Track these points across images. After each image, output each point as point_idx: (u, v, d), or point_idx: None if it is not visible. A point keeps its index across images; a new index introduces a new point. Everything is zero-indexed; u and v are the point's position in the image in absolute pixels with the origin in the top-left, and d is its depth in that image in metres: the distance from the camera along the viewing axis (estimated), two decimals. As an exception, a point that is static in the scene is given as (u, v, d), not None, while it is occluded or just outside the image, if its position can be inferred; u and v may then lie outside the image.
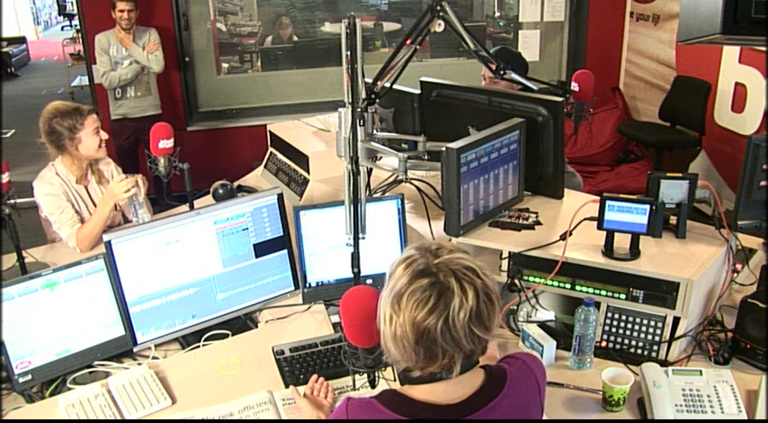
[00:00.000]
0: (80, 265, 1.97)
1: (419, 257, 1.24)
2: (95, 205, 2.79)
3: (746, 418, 1.70)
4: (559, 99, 2.23)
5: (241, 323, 2.22)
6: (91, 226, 2.62)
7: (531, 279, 2.06)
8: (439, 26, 2.00)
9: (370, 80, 1.97)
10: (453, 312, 1.18)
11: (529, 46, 5.52)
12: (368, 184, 2.54)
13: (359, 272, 1.90)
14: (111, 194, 2.62)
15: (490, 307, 1.22)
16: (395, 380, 1.62)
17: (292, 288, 2.31)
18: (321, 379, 1.85)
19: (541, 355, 1.92)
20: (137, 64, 4.56)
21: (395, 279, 1.24)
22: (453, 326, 1.18)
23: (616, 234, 1.96)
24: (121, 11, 4.44)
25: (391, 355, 1.25)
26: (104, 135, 2.73)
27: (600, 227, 1.95)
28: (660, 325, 1.93)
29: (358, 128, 1.87)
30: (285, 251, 2.28)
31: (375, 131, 2.00)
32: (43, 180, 2.71)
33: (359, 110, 1.84)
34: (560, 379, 1.86)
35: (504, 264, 2.09)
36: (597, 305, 1.94)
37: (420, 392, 1.27)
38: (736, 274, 2.21)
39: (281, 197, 2.26)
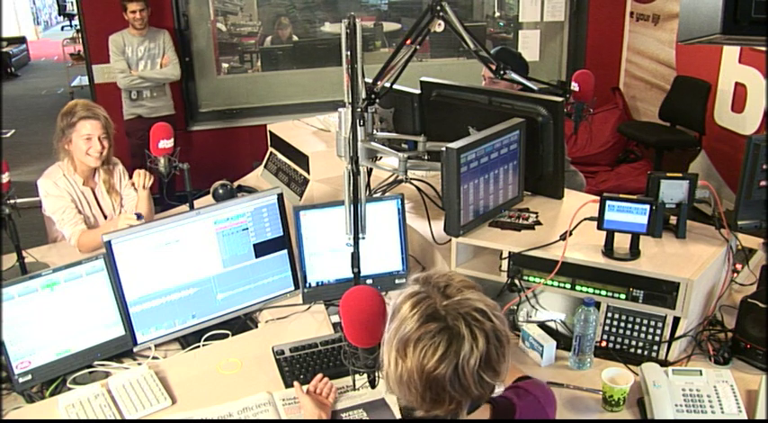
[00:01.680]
0: (80, 265, 1.97)
1: (426, 296, 1.19)
2: (101, 207, 2.78)
3: (746, 418, 1.70)
4: (559, 99, 2.23)
5: (241, 323, 2.22)
6: (97, 233, 2.58)
7: (531, 279, 2.06)
8: (439, 26, 2.00)
9: (370, 80, 1.97)
10: (464, 360, 1.13)
11: (529, 46, 5.52)
12: (368, 184, 2.54)
13: (359, 272, 1.90)
14: (122, 221, 2.55)
15: (500, 350, 1.17)
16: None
17: (292, 288, 2.31)
18: (326, 379, 1.85)
19: (541, 355, 1.92)
20: (155, 75, 4.61)
21: (400, 319, 1.18)
22: (463, 373, 1.13)
23: (616, 234, 1.96)
24: (133, 11, 4.45)
25: (395, 393, 1.21)
26: (97, 145, 2.64)
27: (600, 227, 1.96)
28: (660, 325, 1.93)
29: (358, 128, 1.87)
30: (285, 251, 2.28)
31: (375, 131, 2.00)
32: (48, 178, 2.70)
33: (359, 110, 1.84)
34: (560, 379, 1.86)
35: (504, 264, 2.09)
36: (597, 305, 1.94)
37: None
38: (736, 274, 2.21)
39: (281, 197, 2.26)
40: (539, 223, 2.18)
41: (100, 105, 2.77)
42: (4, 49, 10.74)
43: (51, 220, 2.76)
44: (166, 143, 2.62)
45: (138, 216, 2.51)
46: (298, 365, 1.95)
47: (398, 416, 1.74)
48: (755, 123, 4.44)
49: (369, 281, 2.24)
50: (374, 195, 2.64)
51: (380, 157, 2.12)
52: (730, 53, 4.59)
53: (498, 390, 1.32)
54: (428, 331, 1.14)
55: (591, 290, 2.00)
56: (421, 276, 1.25)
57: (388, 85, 2.02)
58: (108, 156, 2.73)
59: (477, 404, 1.22)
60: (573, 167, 3.14)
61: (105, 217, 2.78)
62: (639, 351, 1.94)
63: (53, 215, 2.67)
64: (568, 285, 2.03)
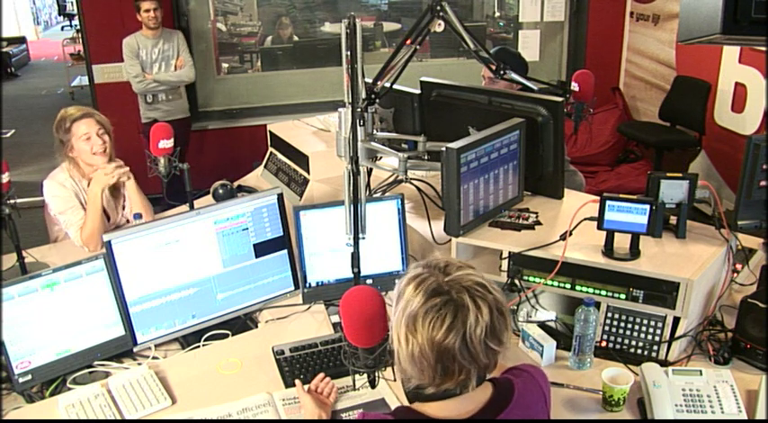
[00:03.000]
0: (80, 265, 1.97)
1: (429, 275, 1.24)
2: (104, 208, 2.78)
3: (746, 418, 1.70)
4: (559, 99, 2.23)
5: (241, 323, 2.22)
6: (90, 222, 2.61)
7: (531, 279, 2.06)
8: (439, 26, 2.00)
9: (370, 80, 1.97)
10: (470, 329, 1.18)
11: (529, 46, 5.52)
12: (368, 184, 2.54)
13: (359, 272, 1.90)
14: (96, 184, 2.61)
15: (503, 321, 1.23)
16: (395, 380, 1.62)
17: (292, 288, 2.31)
18: (327, 378, 1.85)
19: (541, 355, 1.92)
20: (170, 78, 4.60)
21: (406, 299, 1.23)
22: (471, 342, 1.19)
23: (616, 234, 1.96)
24: (147, 11, 4.43)
25: (407, 373, 1.25)
26: (97, 140, 2.65)
27: (600, 227, 1.95)
28: (660, 325, 1.93)
29: (358, 128, 1.87)
30: (285, 251, 2.28)
31: (375, 131, 2.00)
32: (54, 180, 2.70)
33: (359, 110, 1.84)
34: (560, 379, 1.86)
35: (504, 264, 2.09)
36: (597, 305, 1.94)
37: (433, 409, 1.27)
38: (736, 274, 2.21)
39: (281, 197, 2.26)
40: (539, 223, 2.18)
41: (95, 107, 2.79)
42: (4, 49, 10.75)
43: (52, 219, 2.76)
44: (166, 143, 2.62)
45: (137, 216, 2.51)
46: (298, 365, 1.95)
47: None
48: (755, 123, 4.44)
49: (369, 281, 2.24)
50: (374, 195, 2.64)
51: (380, 157, 2.12)
52: (730, 53, 4.59)
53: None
54: (434, 305, 1.19)
55: (591, 290, 2.00)
56: (420, 262, 1.30)
57: (388, 85, 2.02)
58: (111, 151, 2.73)
59: (484, 376, 1.27)
60: (572, 167, 3.14)
61: (108, 219, 2.78)
62: (639, 351, 1.94)
63: (60, 216, 2.67)
64: (568, 285, 2.03)
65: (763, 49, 4.02)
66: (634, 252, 1.96)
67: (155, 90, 4.58)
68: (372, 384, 1.58)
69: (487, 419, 1.28)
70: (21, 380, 1.89)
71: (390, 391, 1.84)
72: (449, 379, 1.22)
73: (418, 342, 1.20)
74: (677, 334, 1.91)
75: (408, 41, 1.99)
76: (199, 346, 2.11)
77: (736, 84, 4.58)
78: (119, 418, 1.80)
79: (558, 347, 1.96)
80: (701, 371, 1.81)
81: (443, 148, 1.96)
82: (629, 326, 1.96)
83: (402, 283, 1.27)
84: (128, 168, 2.69)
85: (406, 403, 1.35)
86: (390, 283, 2.30)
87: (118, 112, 4.68)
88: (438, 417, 1.26)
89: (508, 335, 1.25)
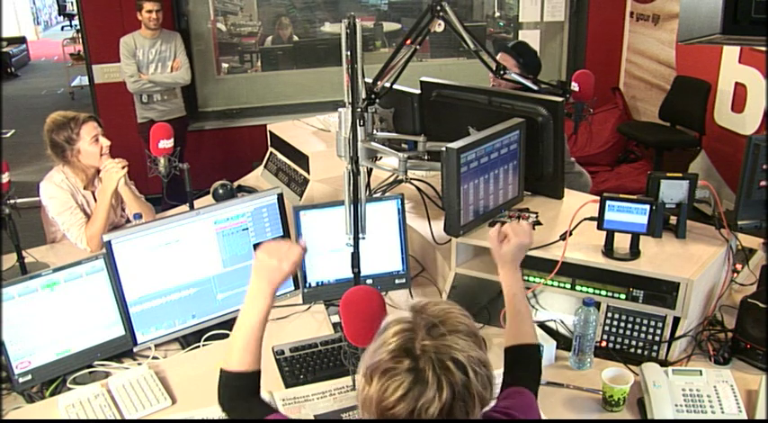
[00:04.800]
0: (80, 265, 1.97)
1: (411, 329, 1.13)
2: None
3: (746, 418, 1.70)
4: (559, 99, 2.23)
5: (241, 323, 2.22)
6: (97, 221, 2.61)
7: (531, 279, 2.06)
8: (439, 26, 2.00)
9: (370, 80, 1.97)
10: (422, 407, 1.07)
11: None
12: (368, 184, 2.54)
13: (359, 272, 1.90)
14: (109, 183, 2.61)
15: (466, 408, 1.10)
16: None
17: (292, 288, 2.31)
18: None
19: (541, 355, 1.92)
20: (165, 79, 4.60)
21: (380, 342, 1.14)
22: (418, 418, 1.08)
23: (616, 234, 1.96)
24: (149, 11, 4.42)
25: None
26: (106, 142, 2.68)
27: (600, 227, 1.96)
28: (660, 325, 1.93)
29: (358, 128, 1.86)
30: (285, 251, 2.28)
31: (375, 131, 2.00)
32: (51, 182, 2.70)
33: (359, 110, 1.84)
34: (560, 379, 1.86)
35: (504, 264, 2.09)
36: (597, 305, 1.94)
37: None
38: (736, 274, 2.21)
39: (281, 197, 2.26)
40: (539, 223, 2.18)
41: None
42: (4, 49, 10.75)
43: (50, 220, 2.75)
44: (166, 143, 2.63)
45: (137, 216, 2.52)
46: (298, 365, 1.95)
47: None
48: (755, 123, 4.44)
49: (369, 281, 2.24)
50: (374, 195, 2.64)
51: (380, 157, 2.12)
52: (730, 53, 4.59)
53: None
54: (397, 366, 1.10)
55: (591, 290, 2.00)
56: (419, 304, 1.19)
57: (388, 85, 2.03)
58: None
59: None
60: (579, 167, 3.14)
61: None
62: (639, 351, 1.94)
63: (58, 217, 2.66)
64: (568, 285, 2.03)
65: (763, 49, 4.02)
66: (634, 252, 1.96)
67: (150, 90, 4.58)
68: (372, 384, 1.58)
69: None
70: (21, 380, 1.89)
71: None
72: None
73: (368, 394, 1.12)
74: (677, 334, 1.91)
75: (408, 41, 1.99)
76: (199, 346, 2.11)
77: (736, 84, 4.58)
78: (119, 418, 1.80)
79: (558, 347, 1.96)
80: (701, 371, 1.81)
81: (443, 148, 1.96)
82: (629, 326, 1.96)
83: (390, 319, 1.18)
84: (125, 163, 2.69)
85: None
86: (390, 283, 2.30)
87: (118, 113, 4.74)
88: None
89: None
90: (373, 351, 1.14)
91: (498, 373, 1.41)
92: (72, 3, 13.24)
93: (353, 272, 1.89)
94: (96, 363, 2.00)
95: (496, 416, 1.33)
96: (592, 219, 1.97)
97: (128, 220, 2.86)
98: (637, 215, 1.90)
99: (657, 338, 1.93)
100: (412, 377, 1.08)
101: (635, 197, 1.93)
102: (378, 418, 1.11)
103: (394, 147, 2.06)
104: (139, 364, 2.01)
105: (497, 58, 3.03)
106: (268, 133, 3.42)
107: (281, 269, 1.52)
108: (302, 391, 1.86)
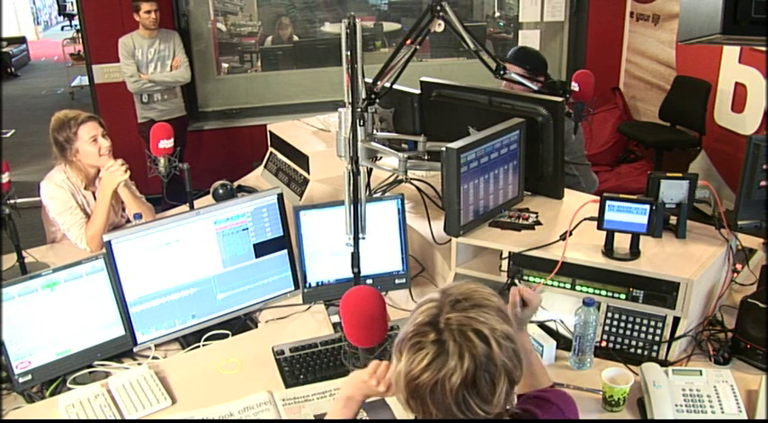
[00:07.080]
0: (80, 265, 1.97)
1: (436, 305, 1.19)
2: None
3: (746, 418, 1.70)
4: (559, 99, 2.23)
5: (241, 323, 2.22)
6: (97, 221, 2.61)
7: (531, 279, 2.06)
8: (439, 26, 2.00)
9: (370, 80, 1.97)
10: (445, 376, 1.11)
11: (529, 46, 5.52)
12: (368, 184, 2.54)
13: (359, 272, 1.90)
14: (109, 183, 2.61)
15: (490, 377, 1.13)
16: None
17: (292, 288, 2.31)
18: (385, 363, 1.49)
19: (541, 356, 1.92)
20: (166, 78, 4.60)
21: (412, 319, 1.20)
22: (442, 389, 1.12)
23: (616, 234, 1.96)
24: (147, 11, 4.43)
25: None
26: (105, 142, 2.67)
27: (600, 227, 1.96)
28: (660, 325, 1.93)
29: (358, 128, 1.87)
30: (285, 251, 2.28)
31: (375, 131, 2.00)
32: (51, 181, 2.69)
33: (359, 110, 1.84)
34: (560, 379, 1.86)
35: (504, 264, 2.09)
36: (597, 305, 1.94)
37: None
38: (736, 274, 2.21)
39: (281, 197, 2.26)
40: (539, 223, 2.18)
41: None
42: (4, 49, 10.75)
43: (50, 220, 2.75)
44: (166, 143, 2.63)
45: (137, 216, 2.51)
46: (298, 365, 1.95)
47: (398, 416, 1.74)
48: (755, 123, 4.44)
49: (369, 281, 2.24)
50: (374, 195, 2.64)
51: (380, 157, 2.12)
52: (730, 53, 4.59)
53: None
54: (422, 338, 1.15)
55: (591, 290, 2.00)
56: (446, 286, 1.25)
57: (388, 85, 2.03)
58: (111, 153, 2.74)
59: None
60: (587, 162, 3.14)
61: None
62: (639, 351, 1.94)
63: (58, 217, 2.66)
64: (568, 285, 2.03)
65: (763, 49, 4.02)
66: (634, 252, 1.96)
67: (150, 90, 4.58)
68: (372, 384, 1.58)
69: None
70: (21, 380, 1.89)
71: (390, 391, 1.84)
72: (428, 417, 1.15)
73: (398, 369, 1.17)
74: (677, 334, 1.91)
75: (408, 41, 1.99)
76: (199, 346, 2.10)
77: (736, 84, 4.58)
78: (119, 418, 1.80)
79: (558, 347, 1.96)
80: (701, 371, 1.81)
81: (443, 148, 1.96)
82: (629, 326, 1.96)
83: (422, 299, 1.23)
84: (127, 165, 2.69)
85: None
86: (390, 283, 2.30)
87: (118, 113, 4.74)
88: None
89: (499, 397, 1.14)
90: (404, 329, 1.20)
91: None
92: (72, 3, 13.23)
93: (353, 272, 1.89)
94: (96, 363, 2.00)
95: (526, 406, 1.33)
96: (592, 219, 1.97)
97: (128, 221, 2.86)
98: (637, 215, 1.90)
99: (657, 338, 1.93)
100: (435, 348, 1.13)
101: (635, 197, 1.93)
102: (408, 391, 1.15)
103: (394, 147, 2.06)
104: (139, 364, 2.01)
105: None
106: (268, 133, 3.42)
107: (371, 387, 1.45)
108: (302, 391, 1.86)
